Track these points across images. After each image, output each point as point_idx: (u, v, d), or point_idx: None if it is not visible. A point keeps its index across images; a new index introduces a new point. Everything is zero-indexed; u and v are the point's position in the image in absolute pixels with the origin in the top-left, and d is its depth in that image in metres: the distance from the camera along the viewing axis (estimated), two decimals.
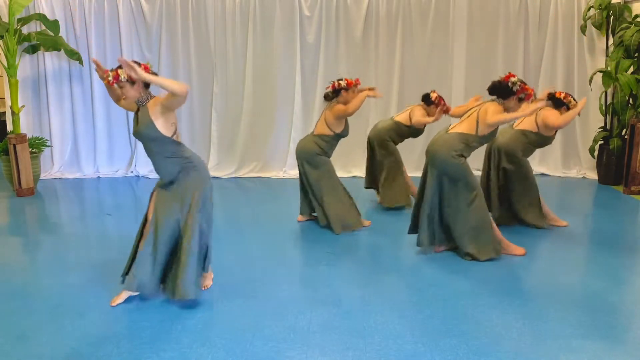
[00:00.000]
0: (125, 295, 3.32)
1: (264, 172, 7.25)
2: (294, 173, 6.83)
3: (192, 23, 6.97)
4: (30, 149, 6.35)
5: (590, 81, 6.63)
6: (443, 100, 5.34)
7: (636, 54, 6.24)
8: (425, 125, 5.46)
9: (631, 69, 6.34)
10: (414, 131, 5.47)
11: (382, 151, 5.49)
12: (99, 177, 7.16)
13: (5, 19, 6.38)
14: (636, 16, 6.40)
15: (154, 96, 3.20)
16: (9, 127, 6.63)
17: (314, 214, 4.97)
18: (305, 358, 2.71)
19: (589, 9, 6.72)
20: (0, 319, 3.14)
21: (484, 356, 2.72)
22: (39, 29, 6.68)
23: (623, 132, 6.55)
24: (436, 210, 4.08)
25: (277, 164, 7.21)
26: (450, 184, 3.99)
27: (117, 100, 3.46)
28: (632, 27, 6.20)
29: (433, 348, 2.79)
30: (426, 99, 5.39)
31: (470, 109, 4.13)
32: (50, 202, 6.10)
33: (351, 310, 3.22)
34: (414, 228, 4.27)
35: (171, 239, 3.28)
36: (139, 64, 3.03)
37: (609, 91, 6.68)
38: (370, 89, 4.78)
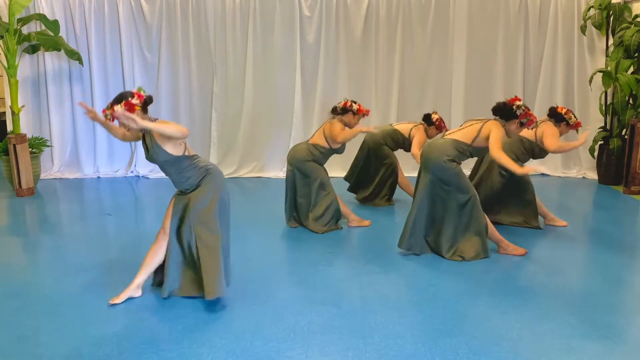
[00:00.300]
0: (124, 296, 3.32)
1: (264, 172, 7.26)
2: None
3: (192, 23, 6.97)
4: (30, 149, 6.35)
5: (590, 81, 6.63)
6: (443, 122, 5.39)
7: (636, 54, 6.24)
8: None
9: (631, 69, 6.34)
10: (408, 144, 5.48)
11: (377, 155, 5.49)
12: (99, 177, 7.16)
13: (5, 19, 6.38)
14: (636, 16, 6.40)
15: (156, 119, 3.20)
16: (9, 127, 6.63)
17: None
18: (305, 358, 2.71)
19: (589, 9, 6.72)
20: (0, 319, 3.14)
21: (484, 356, 2.72)
22: (39, 29, 6.68)
23: (623, 132, 6.55)
24: (423, 216, 4.08)
25: (277, 164, 7.21)
26: (443, 188, 4.01)
27: (122, 136, 3.46)
28: (632, 27, 6.20)
29: (433, 348, 2.79)
30: (427, 119, 5.41)
31: (471, 120, 4.15)
32: (50, 202, 6.10)
33: (351, 310, 3.22)
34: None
35: (187, 243, 3.32)
36: (131, 94, 3.07)
37: (609, 91, 6.68)
38: (366, 129, 4.80)
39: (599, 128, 6.80)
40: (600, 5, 6.56)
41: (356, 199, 5.77)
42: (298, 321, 3.09)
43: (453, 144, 4.00)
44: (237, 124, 7.18)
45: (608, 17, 6.69)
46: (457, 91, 7.17)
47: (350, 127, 4.84)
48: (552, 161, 7.16)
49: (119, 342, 2.85)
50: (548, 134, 4.58)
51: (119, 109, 3.01)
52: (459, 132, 4.08)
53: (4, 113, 7.48)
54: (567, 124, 4.65)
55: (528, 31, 7.07)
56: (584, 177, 7.09)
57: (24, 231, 5.08)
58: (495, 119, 4.05)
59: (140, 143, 3.66)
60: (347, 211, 4.92)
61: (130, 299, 3.34)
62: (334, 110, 4.89)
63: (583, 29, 6.84)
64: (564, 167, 7.22)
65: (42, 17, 6.49)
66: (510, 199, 4.81)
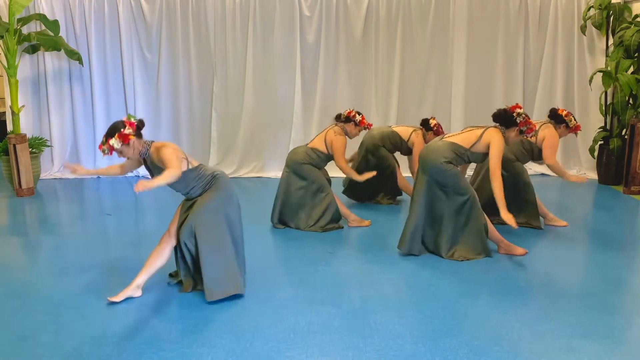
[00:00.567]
0: (123, 295, 3.32)
1: (264, 172, 7.26)
2: None
3: (192, 23, 6.97)
4: (30, 149, 6.35)
5: (590, 81, 6.63)
6: (441, 127, 5.42)
7: (636, 54, 6.24)
8: None
9: (631, 69, 6.34)
10: (405, 147, 5.49)
11: (373, 157, 5.50)
12: (98, 177, 7.16)
13: (5, 19, 6.38)
14: (636, 16, 6.40)
15: (151, 142, 3.25)
16: (9, 127, 6.63)
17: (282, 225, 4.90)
18: (305, 358, 2.71)
19: (589, 9, 6.72)
20: (0, 319, 3.14)
21: (484, 356, 2.72)
22: (39, 29, 6.68)
23: (623, 132, 6.55)
24: (421, 217, 4.08)
25: (277, 164, 7.20)
26: (441, 189, 4.01)
27: (122, 172, 3.49)
28: (632, 27, 6.20)
29: (433, 348, 2.79)
30: (425, 124, 5.43)
31: (472, 127, 4.15)
32: (50, 202, 6.10)
33: (351, 310, 3.22)
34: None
35: (183, 242, 3.34)
36: (122, 124, 3.12)
37: (609, 91, 6.68)
38: (362, 178, 4.85)
39: (599, 128, 6.79)
40: (600, 5, 6.56)
41: (354, 200, 5.76)
42: (298, 321, 3.09)
43: (451, 147, 4.00)
44: (237, 124, 7.18)
45: (608, 17, 6.69)
46: (457, 91, 7.16)
47: (350, 136, 4.92)
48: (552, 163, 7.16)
49: (119, 342, 2.85)
50: (548, 144, 4.56)
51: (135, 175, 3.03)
52: (458, 136, 4.08)
53: (4, 113, 7.48)
54: (567, 126, 4.65)
55: (528, 31, 7.07)
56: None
57: (24, 231, 5.08)
58: (495, 126, 4.05)
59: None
60: (347, 211, 4.92)
61: (129, 298, 3.34)
62: (338, 118, 4.93)
63: (583, 29, 6.84)
64: (564, 167, 7.20)
65: (42, 17, 6.49)
66: (510, 200, 4.80)
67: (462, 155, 4.02)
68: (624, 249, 4.33)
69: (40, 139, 6.68)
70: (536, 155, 4.74)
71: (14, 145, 6.04)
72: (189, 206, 3.40)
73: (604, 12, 6.62)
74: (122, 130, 3.10)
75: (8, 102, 6.58)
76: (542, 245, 4.42)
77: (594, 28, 6.83)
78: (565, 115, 4.64)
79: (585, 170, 7.12)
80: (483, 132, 4.01)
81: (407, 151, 5.52)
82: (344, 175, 5.80)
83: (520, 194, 4.76)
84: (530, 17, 7.04)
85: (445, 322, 3.07)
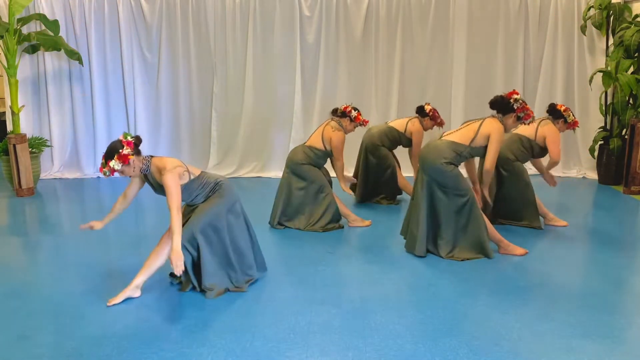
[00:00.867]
0: (122, 296, 3.32)
1: (264, 172, 7.26)
2: None
3: (192, 23, 6.97)
4: (30, 149, 6.35)
5: (590, 81, 6.63)
6: (437, 112, 5.42)
7: (636, 54, 6.24)
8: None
9: (631, 69, 6.34)
10: (404, 140, 5.49)
11: (373, 156, 5.50)
12: (98, 177, 7.16)
13: (5, 19, 6.38)
14: (636, 16, 6.40)
15: (151, 158, 3.28)
16: (9, 127, 6.63)
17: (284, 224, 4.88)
18: (305, 358, 2.71)
19: (589, 9, 6.72)
20: (0, 319, 3.14)
21: (484, 356, 2.71)
22: (39, 29, 6.68)
23: (623, 132, 6.55)
24: (424, 218, 4.07)
25: (277, 164, 7.20)
26: (440, 190, 4.01)
27: (133, 196, 3.50)
28: (632, 27, 6.20)
29: (433, 348, 2.79)
30: (420, 111, 5.45)
31: (469, 121, 4.13)
32: (50, 202, 6.10)
33: (351, 310, 3.22)
34: (405, 231, 4.31)
35: (191, 247, 3.37)
36: (120, 144, 3.14)
37: (609, 91, 6.68)
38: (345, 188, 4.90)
39: (599, 128, 6.79)
40: (600, 5, 6.56)
41: (354, 200, 5.76)
42: (298, 321, 3.09)
43: (451, 146, 3.97)
44: (237, 124, 7.18)
45: (608, 17, 6.69)
46: (457, 91, 7.16)
47: (346, 131, 4.88)
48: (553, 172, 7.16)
49: (119, 342, 2.85)
50: (552, 140, 4.56)
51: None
52: (457, 133, 4.06)
53: (4, 113, 7.48)
54: (565, 121, 4.65)
55: (528, 31, 7.07)
56: (584, 177, 7.09)
57: (24, 231, 5.08)
58: (492, 116, 4.03)
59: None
60: (347, 211, 4.92)
61: (129, 299, 3.33)
62: (334, 112, 4.91)
63: (583, 29, 6.84)
64: (564, 167, 7.21)
65: (42, 17, 6.49)
66: (510, 200, 4.80)
67: (462, 154, 4.00)
68: (624, 249, 4.33)
69: (40, 139, 6.68)
70: (537, 152, 4.73)
71: (14, 145, 6.04)
72: (192, 209, 3.43)
73: (604, 12, 6.62)
74: (120, 151, 3.13)
75: (8, 102, 6.58)
76: (542, 245, 4.42)
77: (594, 28, 6.83)
78: (564, 111, 4.64)
79: (585, 170, 7.13)
80: (480, 125, 3.98)
81: (408, 142, 5.52)
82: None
83: (521, 195, 4.76)
84: (530, 17, 7.04)
85: (445, 322, 3.07)
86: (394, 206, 5.63)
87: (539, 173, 4.98)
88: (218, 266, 3.41)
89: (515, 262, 4.03)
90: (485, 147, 4.01)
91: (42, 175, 6.97)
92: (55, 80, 6.98)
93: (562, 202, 5.92)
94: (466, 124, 4.12)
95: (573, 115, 4.68)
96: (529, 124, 4.17)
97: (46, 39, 6.47)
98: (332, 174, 5.11)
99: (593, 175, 6.98)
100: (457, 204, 3.99)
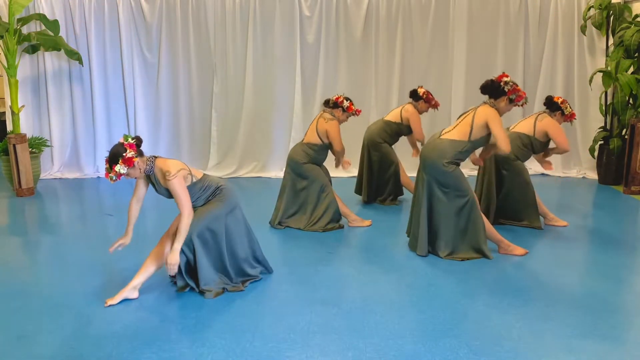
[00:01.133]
0: (120, 297, 3.31)
1: (264, 172, 7.26)
2: None
3: (192, 23, 6.97)
4: (30, 149, 6.35)
5: (590, 81, 6.63)
6: (431, 94, 5.40)
7: (636, 54, 6.24)
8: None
9: (631, 69, 6.34)
10: (404, 128, 5.49)
11: (375, 154, 5.50)
12: (99, 177, 7.16)
13: (5, 19, 6.39)
14: (636, 16, 6.40)
15: (155, 158, 3.29)
16: (9, 127, 6.63)
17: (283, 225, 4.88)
18: (305, 358, 2.71)
19: (589, 9, 6.72)
20: (0, 319, 3.14)
21: (484, 356, 2.71)
22: (39, 29, 6.68)
23: (623, 132, 6.55)
24: (424, 218, 4.07)
25: (277, 164, 7.21)
26: (441, 190, 4.00)
27: (140, 201, 3.48)
28: (632, 27, 6.20)
29: (433, 348, 2.79)
30: (414, 94, 5.44)
31: (463, 114, 4.11)
32: (50, 202, 6.10)
33: (351, 310, 3.22)
34: (409, 230, 4.31)
35: (188, 249, 3.37)
36: (123, 148, 3.16)
37: (609, 91, 6.68)
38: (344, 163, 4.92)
39: (599, 128, 6.79)
40: (600, 5, 6.56)
41: (362, 201, 5.76)
42: (298, 321, 3.09)
43: (451, 145, 3.95)
44: (237, 124, 7.18)
45: (608, 17, 6.69)
46: (457, 91, 7.16)
47: (339, 122, 4.86)
48: (552, 161, 7.12)
49: (119, 342, 2.85)
50: (556, 133, 4.54)
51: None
52: (454, 130, 4.01)
53: (4, 113, 7.48)
54: (562, 113, 4.65)
55: (528, 31, 7.07)
56: (584, 177, 7.09)
57: (24, 231, 5.08)
58: (484, 102, 4.01)
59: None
60: (347, 211, 4.92)
61: (128, 299, 3.33)
62: (326, 103, 4.91)
63: (583, 29, 6.84)
64: (564, 167, 7.22)
65: (42, 17, 6.49)
66: (511, 201, 4.80)
67: (464, 150, 3.96)
68: (624, 249, 4.33)
69: (40, 139, 6.68)
70: (537, 148, 4.72)
71: (14, 145, 6.04)
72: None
73: (604, 12, 6.62)
74: (124, 154, 3.15)
75: (8, 102, 6.59)
76: (542, 245, 4.42)
77: (594, 28, 6.83)
78: (561, 103, 4.63)
79: (585, 170, 7.12)
80: (474, 116, 3.94)
81: (408, 130, 5.51)
82: (349, 176, 5.81)
83: (521, 196, 4.75)
84: (530, 17, 7.04)
85: (445, 322, 3.07)
86: (395, 206, 5.62)
87: (538, 173, 4.97)
88: (213, 270, 3.43)
89: (515, 262, 4.03)
90: (487, 135, 3.95)
91: (42, 175, 6.97)
92: (55, 80, 6.98)
93: (562, 202, 5.92)
94: (461, 118, 4.07)
95: (570, 107, 4.67)
96: (522, 105, 4.09)
97: (46, 39, 6.47)
98: (333, 173, 5.12)
99: (593, 175, 6.98)
100: (457, 205, 3.99)
